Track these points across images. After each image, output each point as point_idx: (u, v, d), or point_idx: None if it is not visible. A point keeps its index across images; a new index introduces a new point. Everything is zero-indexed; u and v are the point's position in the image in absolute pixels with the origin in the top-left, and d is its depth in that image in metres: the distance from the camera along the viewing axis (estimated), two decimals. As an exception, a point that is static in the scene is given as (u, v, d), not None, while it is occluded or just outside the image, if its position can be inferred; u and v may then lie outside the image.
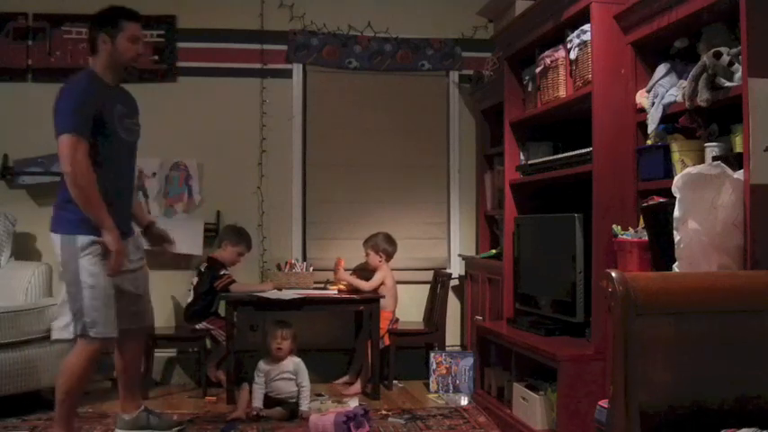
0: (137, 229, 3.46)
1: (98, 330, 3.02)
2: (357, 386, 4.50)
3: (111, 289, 3.07)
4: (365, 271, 4.83)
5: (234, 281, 4.47)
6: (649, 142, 3.05)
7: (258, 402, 3.91)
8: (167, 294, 4.75)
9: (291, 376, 3.97)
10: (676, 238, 2.49)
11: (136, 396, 3.44)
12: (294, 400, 3.93)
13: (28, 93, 4.75)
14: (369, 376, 4.44)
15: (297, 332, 4.06)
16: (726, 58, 2.52)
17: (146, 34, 4.77)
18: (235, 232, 4.69)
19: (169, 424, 3.47)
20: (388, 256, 4.75)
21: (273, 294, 4.32)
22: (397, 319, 4.74)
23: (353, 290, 4.56)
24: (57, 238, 3.06)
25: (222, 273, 4.49)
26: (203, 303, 4.53)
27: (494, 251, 4.66)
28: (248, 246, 4.71)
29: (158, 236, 3.55)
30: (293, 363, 4.00)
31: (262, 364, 4.00)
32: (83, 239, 3.01)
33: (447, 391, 4.46)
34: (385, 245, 4.74)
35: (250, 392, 3.98)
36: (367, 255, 4.77)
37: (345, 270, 4.68)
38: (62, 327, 3.16)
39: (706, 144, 2.68)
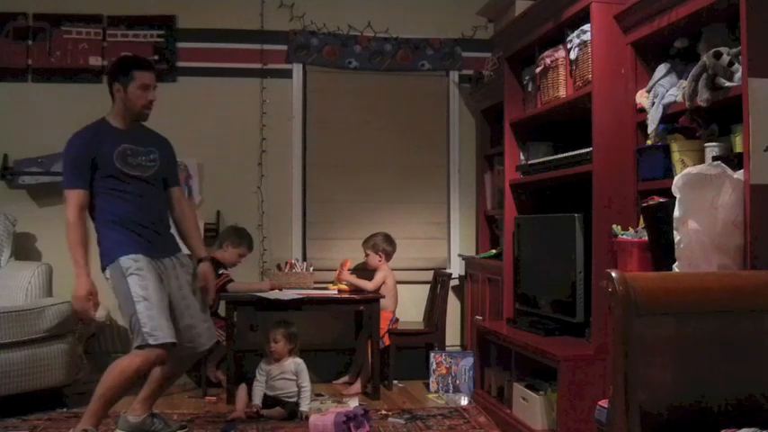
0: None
1: (157, 337, 3.05)
2: (357, 386, 4.50)
3: (164, 300, 3.15)
4: (365, 271, 4.82)
5: (231, 280, 4.47)
6: (649, 142, 3.05)
7: (257, 400, 3.91)
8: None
9: (292, 377, 3.96)
10: (676, 238, 2.49)
11: (151, 404, 3.44)
12: (294, 401, 3.93)
13: (28, 93, 4.76)
14: (369, 376, 4.44)
15: (293, 332, 4.02)
16: (726, 58, 2.51)
17: (146, 34, 4.86)
18: (236, 233, 4.69)
19: (173, 427, 3.47)
20: (388, 256, 4.75)
21: (273, 294, 4.32)
22: (397, 319, 4.74)
23: (354, 290, 4.56)
24: (107, 273, 3.19)
25: (220, 272, 4.49)
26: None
27: (494, 251, 4.66)
28: (249, 247, 4.71)
29: (198, 276, 3.48)
30: (294, 363, 4.00)
31: (263, 364, 4.01)
32: (125, 260, 3.12)
33: (447, 391, 4.46)
34: (384, 245, 4.74)
35: (248, 393, 3.98)
36: (367, 255, 4.77)
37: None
38: None
39: (706, 144, 2.68)
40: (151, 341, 3.05)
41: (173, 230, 3.48)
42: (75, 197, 3.18)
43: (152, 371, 3.32)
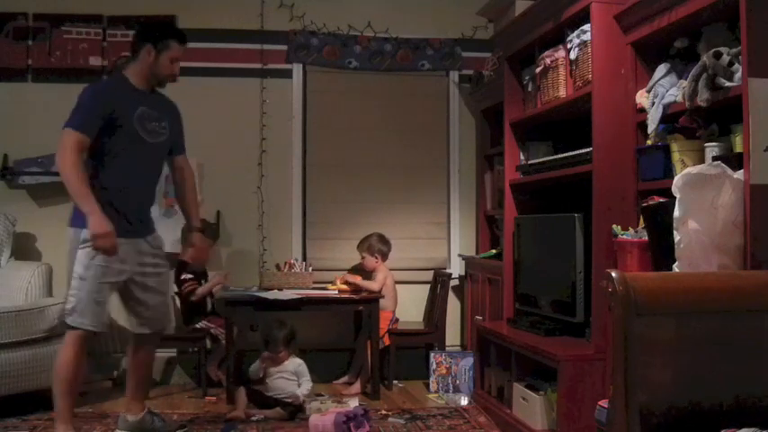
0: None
1: (74, 319, 3.06)
2: (357, 386, 4.50)
3: (100, 285, 3.09)
4: (362, 272, 4.82)
5: (196, 288, 4.45)
6: (649, 142, 3.05)
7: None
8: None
9: (291, 377, 3.97)
10: (676, 238, 2.49)
11: (142, 397, 3.44)
12: (292, 401, 3.93)
13: (28, 93, 4.76)
14: (369, 376, 4.44)
15: (288, 333, 4.00)
16: (726, 58, 2.52)
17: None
18: None
19: (173, 426, 3.47)
20: (384, 257, 4.74)
21: (273, 294, 4.32)
22: (396, 319, 4.74)
23: (354, 290, 4.56)
24: (69, 232, 3.13)
25: (183, 277, 4.46)
26: (196, 305, 4.50)
27: (494, 251, 4.66)
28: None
29: (186, 243, 3.55)
30: (294, 364, 4.00)
31: (261, 362, 4.02)
32: (85, 232, 3.05)
33: (447, 391, 4.46)
34: (380, 245, 4.73)
35: (246, 395, 3.98)
36: (363, 258, 4.75)
37: (342, 271, 4.71)
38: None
39: (706, 144, 2.68)
40: (68, 320, 3.07)
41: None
42: (76, 139, 3.02)
43: (127, 365, 3.38)
